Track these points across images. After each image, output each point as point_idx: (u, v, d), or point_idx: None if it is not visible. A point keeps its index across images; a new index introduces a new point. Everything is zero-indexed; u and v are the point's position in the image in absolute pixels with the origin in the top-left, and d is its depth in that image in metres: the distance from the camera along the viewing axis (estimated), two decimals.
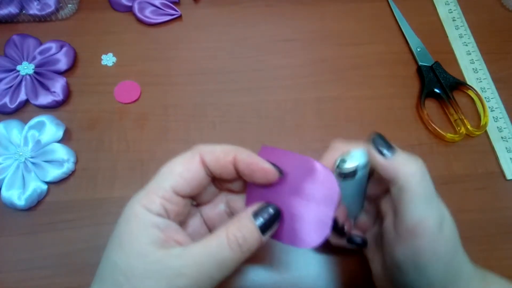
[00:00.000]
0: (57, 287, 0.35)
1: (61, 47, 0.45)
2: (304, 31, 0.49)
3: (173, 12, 0.48)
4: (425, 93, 0.44)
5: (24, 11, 0.47)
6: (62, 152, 0.39)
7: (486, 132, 0.43)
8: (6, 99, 0.42)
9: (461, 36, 0.49)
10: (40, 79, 0.43)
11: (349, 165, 0.26)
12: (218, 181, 0.27)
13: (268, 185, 0.25)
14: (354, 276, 0.36)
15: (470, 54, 0.48)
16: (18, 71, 0.43)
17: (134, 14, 0.48)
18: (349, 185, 0.27)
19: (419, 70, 0.46)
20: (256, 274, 0.36)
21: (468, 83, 0.46)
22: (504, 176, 0.41)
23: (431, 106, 0.45)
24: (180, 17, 0.49)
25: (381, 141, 0.26)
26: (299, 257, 0.37)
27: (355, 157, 0.26)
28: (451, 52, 0.48)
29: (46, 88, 0.43)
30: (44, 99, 0.42)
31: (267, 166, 0.24)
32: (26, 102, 0.43)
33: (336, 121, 0.43)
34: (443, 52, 0.48)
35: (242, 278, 0.36)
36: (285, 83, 0.45)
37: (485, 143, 0.43)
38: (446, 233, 0.24)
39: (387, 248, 0.27)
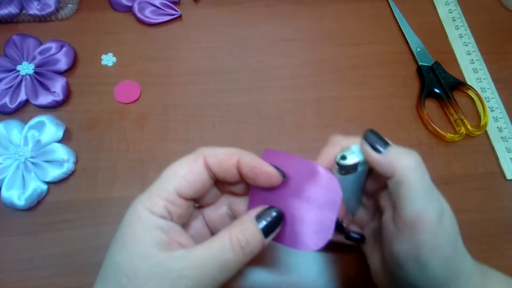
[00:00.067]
0: (57, 287, 0.35)
1: (61, 47, 0.45)
2: (304, 31, 0.49)
3: (173, 12, 0.48)
4: (425, 93, 0.44)
5: (24, 11, 0.47)
6: (62, 152, 0.39)
7: (486, 132, 0.43)
8: (6, 99, 0.42)
9: (461, 36, 0.49)
10: (40, 79, 0.43)
11: (350, 161, 0.26)
12: (220, 184, 0.27)
13: (271, 188, 0.25)
14: (354, 276, 0.36)
15: (470, 54, 0.48)
16: (18, 71, 0.43)
17: (134, 14, 0.48)
18: (349, 181, 0.27)
19: (419, 70, 0.46)
20: (257, 274, 0.36)
21: (468, 83, 0.46)
22: (504, 176, 0.41)
23: (431, 106, 0.45)
24: (180, 17, 0.49)
25: (374, 137, 0.25)
26: (299, 257, 0.37)
27: (356, 152, 0.26)
28: (451, 52, 0.48)
29: (46, 88, 0.43)
30: (44, 99, 0.42)
31: (271, 169, 0.24)
32: (26, 102, 0.43)
33: (336, 121, 0.43)
34: (443, 52, 0.48)
35: (243, 278, 0.36)
36: (285, 83, 0.45)
37: (485, 143, 0.43)
38: (446, 226, 0.24)
39: (386, 244, 0.27)
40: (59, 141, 0.40)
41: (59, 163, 0.39)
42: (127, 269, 0.22)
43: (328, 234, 0.24)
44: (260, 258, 0.37)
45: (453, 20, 0.50)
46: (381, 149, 0.25)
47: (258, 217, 0.23)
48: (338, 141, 0.28)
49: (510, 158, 0.42)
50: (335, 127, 0.43)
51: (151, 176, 0.40)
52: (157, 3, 0.48)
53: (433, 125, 0.43)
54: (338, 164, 0.26)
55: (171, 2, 0.49)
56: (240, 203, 0.27)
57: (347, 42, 0.48)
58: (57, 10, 0.47)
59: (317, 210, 0.24)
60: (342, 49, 0.48)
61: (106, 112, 0.43)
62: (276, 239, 0.25)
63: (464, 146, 0.43)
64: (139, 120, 0.43)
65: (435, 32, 0.49)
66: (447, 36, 0.49)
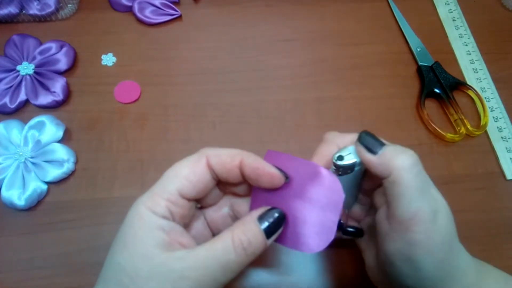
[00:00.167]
0: (57, 287, 0.35)
1: (61, 47, 0.45)
2: (304, 31, 0.49)
3: (173, 12, 0.48)
4: (425, 93, 0.44)
5: (24, 11, 0.47)
6: (62, 152, 0.39)
7: (486, 132, 0.43)
8: (6, 99, 0.42)
9: (461, 36, 0.49)
10: (40, 79, 0.43)
11: (347, 161, 0.26)
12: (222, 184, 0.27)
13: (273, 189, 0.25)
14: (354, 276, 0.36)
15: (470, 54, 0.48)
16: (18, 71, 0.43)
17: (134, 14, 0.48)
18: (346, 180, 0.27)
19: (419, 70, 0.46)
20: (257, 274, 0.36)
21: (468, 83, 0.46)
22: (504, 176, 0.41)
23: (431, 106, 0.45)
24: (180, 17, 0.49)
25: (368, 139, 0.25)
26: (299, 257, 0.37)
27: (352, 153, 0.26)
28: (451, 52, 0.48)
29: (46, 88, 0.43)
30: (44, 99, 0.42)
31: (273, 171, 0.24)
32: (26, 102, 0.43)
33: (336, 121, 0.43)
34: (443, 52, 0.48)
35: (243, 279, 0.36)
36: (285, 83, 0.45)
37: (485, 143, 0.43)
38: (440, 226, 0.24)
39: (379, 242, 0.27)
40: (59, 141, 0.40)
41: (59, 163, 0.39)
42: (128, 269, 0.22)
43: (330, 235, 0.24)
44: (260, 258, 0.37)
45: (453, 20, 0.50)
46: (376, 150, 0.25)
47: (261, 218, 0.23)
48: (333, 138, 0.28)
49: (510, 158, 0.42)
50: (335, 127, 0.42)
51: (151, 176, 0.40)
52: (157, 3, 0.48)
53: (433, 125, 0.43)
54: (335, 164, 0.26)
55: (171, 2, 0.49)
56: (242, 204, 0.27)
57: (347, 42, 0.48)
58: (57, 10, 0.47)
59: (319, 212, 0.24)
60: (342, 49, 0.48)
61: (106, 112, 0.43)
62: (277, 240, 0.25)
63: (464, 146, 0.43)
64: (139, 120, 0.43)
65: (435, 32, 0.49)
66: (447, 36, 0.49)
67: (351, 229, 0.30)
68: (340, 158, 0.26)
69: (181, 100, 0.44)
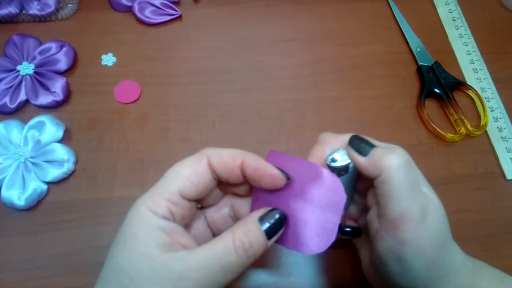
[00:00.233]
0: (57, 287, 0.35)
1: (61, 47, 0.45)
2: (304, 31, 0.49)
3: (173, 12, 0.48)
4: (425, 93, 0.44)
5: (24, 11, 0.47)
6: (62, 152, 0.39)
7: (486, 132, 0.43)
8: (6, 99, 0.42)
9: (461, 36, 0.49)
10: (40, 79, 0.43)
11: (340, 163, 0.26)
12: (223, 185, 0.27)
13: (274, 190, 0.25)
14: (355, 276, 0.36)
15: (470, 54, 0.48)
16: (18, 71, 0.43)
17: (134, 14, 0.48)
18: (341, 181, 0.27)
19: (419, 70, 0.46)
20: (257, 274, 0.36)
21: (468, 83, 0.46)
22: (504, 176, 0.41)
23: (431, 106, 0.45)
24: (180, 17, 0.49)
25: (358, 141, 0.26)
26: (299, 258, 0.37)
27: (346, 154, 0.26)
28: (451, 52, 0.48)
29: (46, 88, 0.43)
30: (44, 99, 0.42)
31: (275, 171, 0.24)
32: (26, 102, 0.43)
33: (336, 121, 0.43)
34: (443, 52, 0.48)
35: (243, 279, 0.36)
36: (285, 83, 0.45)
37: (485, 143, 0.43)
38: (430, 225, 0.24)
39: (372, 241, 0.27)
40: (59, 141, 0.40)
41: (59, 163, 0.39)
42: (128, 270, 0.21)
43: (331, 236, 0.24)
44: (260, 259, 0.37)
45: (453, 20, 0.50)
46: (365, 152, 0.25)
47: (262, 219, 0.23)
48: (328, 139, 0.28)
49: (510, 158, 0.42)
50: (335, 127, 0.43)
51: (151, 176, 0.40)
52: (157, 3, 0.48)
53: (433, 125, 0.43)
54: (329, 166, 0.26)
55: (171, 2, 0.49)
56: (242, 204, 0.27)
57: (347, 42, 0.48)
58: (57, 10, 0.47)
59: (320, 213, 0.24)
60: (342, 49, 0.48)
61: (106, 112, 0.43)
62: (278, 241, 0.25)
63: (464, 146, 0.43)
64: (139, 120, 0.43)
65: (435, 32, 0.49)
66: (447, 36, 0.49)
67: (349, 229, 0.30)
68: (334, 160, 0.26)
69: (181, 100, 0.44)
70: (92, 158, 0.41)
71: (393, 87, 0.46)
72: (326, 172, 0.24)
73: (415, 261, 0.24)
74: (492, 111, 0.44)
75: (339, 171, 0.26)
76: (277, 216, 0.24)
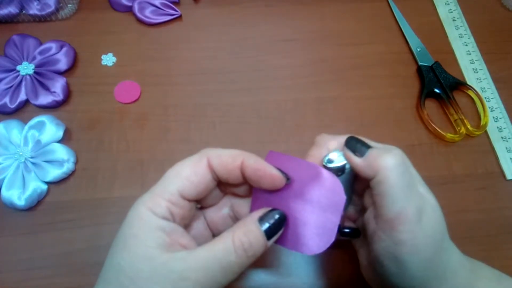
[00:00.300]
0: (57, 287, 0.35)
1: (61, 47, 0.45)
2: (304, 31, 0.49)
3: (173, 12, 0.48)
4: (425, 93, 0.44)
5: (24, 11, 0.47)
6: (62, 152, 0.39)
7: (486, 132, 0.43)
8: (6, 99, 0.42)
9: (461, 36, 0.49)
10: (40, 79, 0.43)
11: (336, 164, 0.26)
12: (223, 185, 0.27)
13: (274, 190, 0.25)
14: (355, 277, 0.36)
15: (470, 54, 0.48)
16: (18, 71, 0.43)
17: (134, 14, 0.48)
18: None
19: (419, 70, 0.46)
20: (257, 275, 0.36)
21: (468, 83, 0.46)
22: (504, 176, 0.41)
23: (431, 106, 0.45)
24: (180, 17, 0.49)
25: (354, 142, 0.26)
26: (298, 258, 0.37)
27: (342, 155, 0.27)
28: (451, 52, 0.48)
29: (46, 88, 0.43)
30: (44, 99, 0.42)
31: (275, 172, 0.24)
32: (26, 102, 0.43)
33: (336, 121, 0.43)
34: (443, 52, 0.48)
35: (243, 279, 0.36)
36: (285, 83, 0.45)
37: (485, 143, 0.43)
38: (426, 225, 0.24)
39: (369, 241, 0.27)
40: (59, 141, 0.40)
41: (59, 163, 0.39)
42: (128, 270, 0.21)
43: (331, 237, 0.24)
44: (260, 259, 0.37)
45: (453, 20, 0.50)
46: (361, 153, 0.25)
47: (261, 220, 0.23)
48: (324, 141, 0.28)
49: (510, 158, 0.42)
50: (335, 127, 0.43)
51: (151, 176, 0.40)
52: (157, 3, 0.48)
53: (433, 125, 0.43)
54: (325, 167, 0.26)
55: (171, 2, 0.49)
56: (242, 204, 0.27)
57: (347, 42, 0.48)
58: (57, 10, 0.47)
59: (320, 213, 0.24)
60: (342, 49, 0.48)
61: (106, 112, 0.43)
62: (278, 241, 0.25)
63: (464, 146, 0.43)
64: (139, 120, 0.43)
65: (435, 32, 0.49)
66: (447, 36, 0.49)
67: (348, 230, 0.30)
68: (330, 160, 0.26)
69: (181, 100, 0.44)
70: (92, 158, 0.41)
71: (393, 87, 0.46)
72: (326, 173, 0.24)
73: (412, 261, 0.24)
74: (492, 111, 0.44)
75: (336, 172, 0.27)
76: (276, 216, 0.24)
